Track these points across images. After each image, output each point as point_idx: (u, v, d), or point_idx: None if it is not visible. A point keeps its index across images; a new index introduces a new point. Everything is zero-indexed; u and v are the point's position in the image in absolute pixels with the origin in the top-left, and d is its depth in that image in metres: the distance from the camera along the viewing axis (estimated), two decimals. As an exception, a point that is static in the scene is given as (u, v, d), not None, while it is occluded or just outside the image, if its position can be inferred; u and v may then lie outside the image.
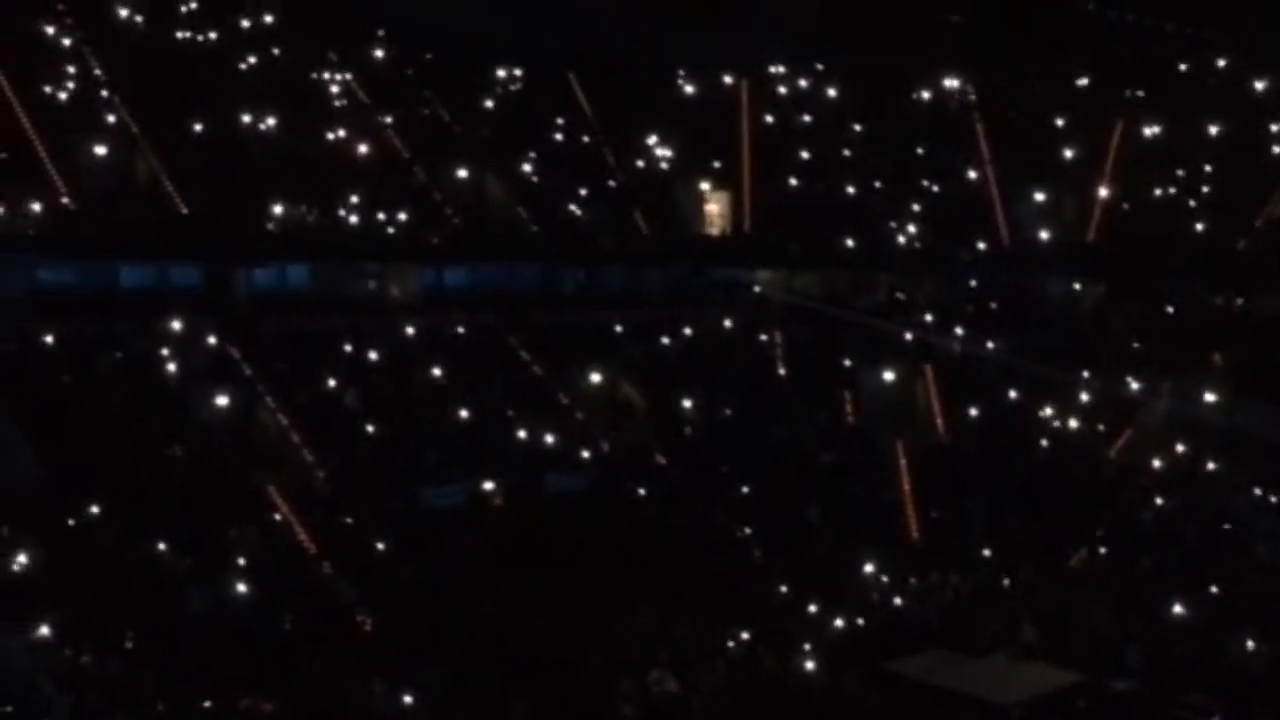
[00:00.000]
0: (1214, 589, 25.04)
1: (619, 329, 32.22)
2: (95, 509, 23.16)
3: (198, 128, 31.51)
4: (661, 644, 22.38)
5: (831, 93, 38.56)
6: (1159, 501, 28.78)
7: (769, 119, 37.54)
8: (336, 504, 25.22)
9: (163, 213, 29.98)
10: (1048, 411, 31.35)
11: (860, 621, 23.91)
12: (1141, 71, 38.62)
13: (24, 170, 29.37)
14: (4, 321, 26.42)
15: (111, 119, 31.12)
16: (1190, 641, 23.52)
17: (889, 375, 31.38)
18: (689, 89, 37.74)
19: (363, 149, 33.01)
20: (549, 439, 28.01)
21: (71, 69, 31.95)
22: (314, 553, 23.94)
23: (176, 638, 21.02)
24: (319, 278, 30.92)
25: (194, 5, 34.35)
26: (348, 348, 29.00)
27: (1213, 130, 37.45)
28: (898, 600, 24.82)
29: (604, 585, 23.57)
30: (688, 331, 32.76)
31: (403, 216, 32.38)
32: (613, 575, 23.91)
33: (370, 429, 27.16)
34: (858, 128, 38.08)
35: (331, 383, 27.94)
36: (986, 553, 26.61)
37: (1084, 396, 31.49)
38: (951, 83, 38.29)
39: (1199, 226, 36.13)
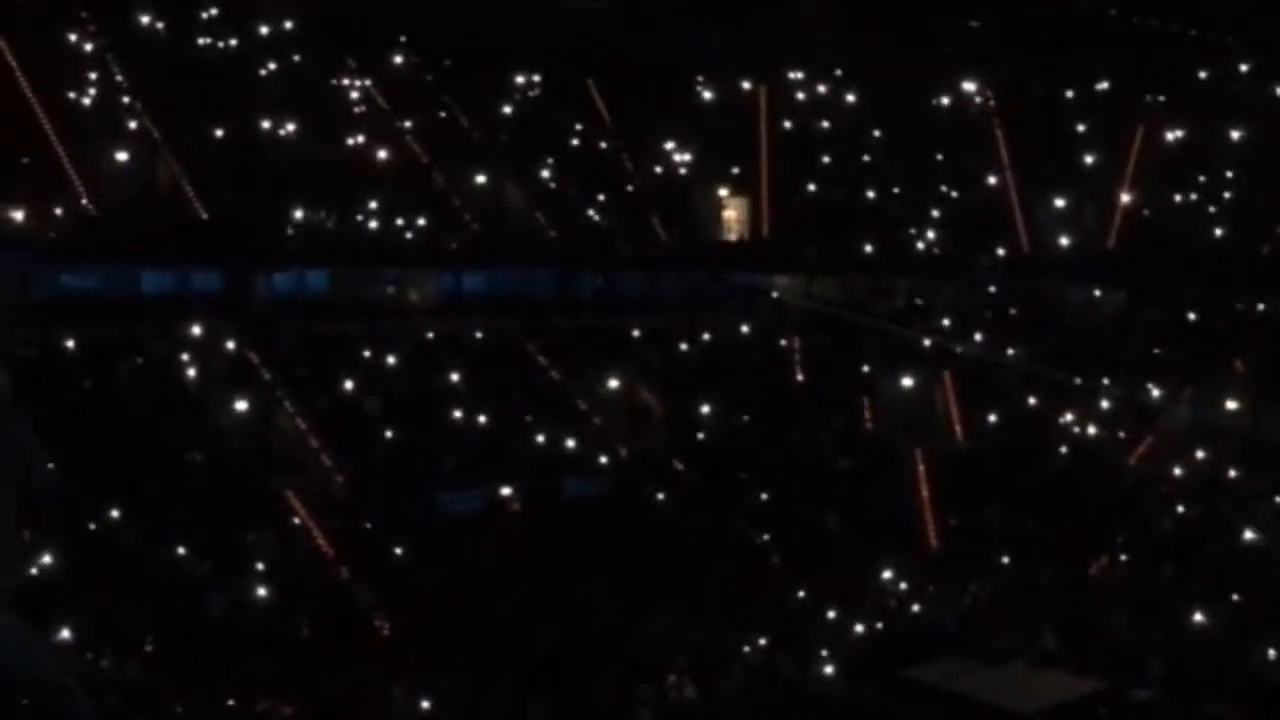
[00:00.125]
0: (1235, 597, 24.88)
1: (637, 334, 32.23)
2: (115, 513, 23.26)
3: (218, 133, 31.66)
4: (679, 649, 22.35)
5: (850, 98, 38.52)
6: (1180, 509, 28.62)
7: (787, 124, 37.52)
8: (355, 509, 25.27)
9: (183, 218, 30.11)
10: (1067, 418, 31.22)
11: (879, 628, 23.83)
12: (1162, 77, 38.46)
13: (47, 175, 29.53)
14: (25, 326, 26.57)
15: (133, 125, 31.28)
16: (1211, 650, 23.37)
17: (907, 381, 31.30)
18: (707, 95, 37.74)
19: (382, 154, 33.11)
20: (567, 444, 28.02)
21: (94, 75, 32.14)
22: (332, 557, 23.99)
23: (196, 642, 21.08)
24: (338, 283, 31.01)
25: (215, 12, 34.50)
26: (366, 353, 29.07)
27: (1234, 135, 37.27)
28: (916, 607, 24.74)
29: (622, 591, 23.55)
30: (706, 337, 32.74)
31: (421, 222, 32.46)
32: (630, 581, 23.89)
33: (388, 434, 27.21)
34: (877, 133, 38.02)
35: (350, 387, 28.00)
36: (1005, 560, 26.51)
37: (1104, 403, 31.36)
38: (971, 88, 38.21)
39: (1220, 232, 35.96)
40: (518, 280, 32.66)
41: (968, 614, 24.81)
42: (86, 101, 31.67)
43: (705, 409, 29.84)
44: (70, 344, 26.79)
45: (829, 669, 22.27)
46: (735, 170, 36.38)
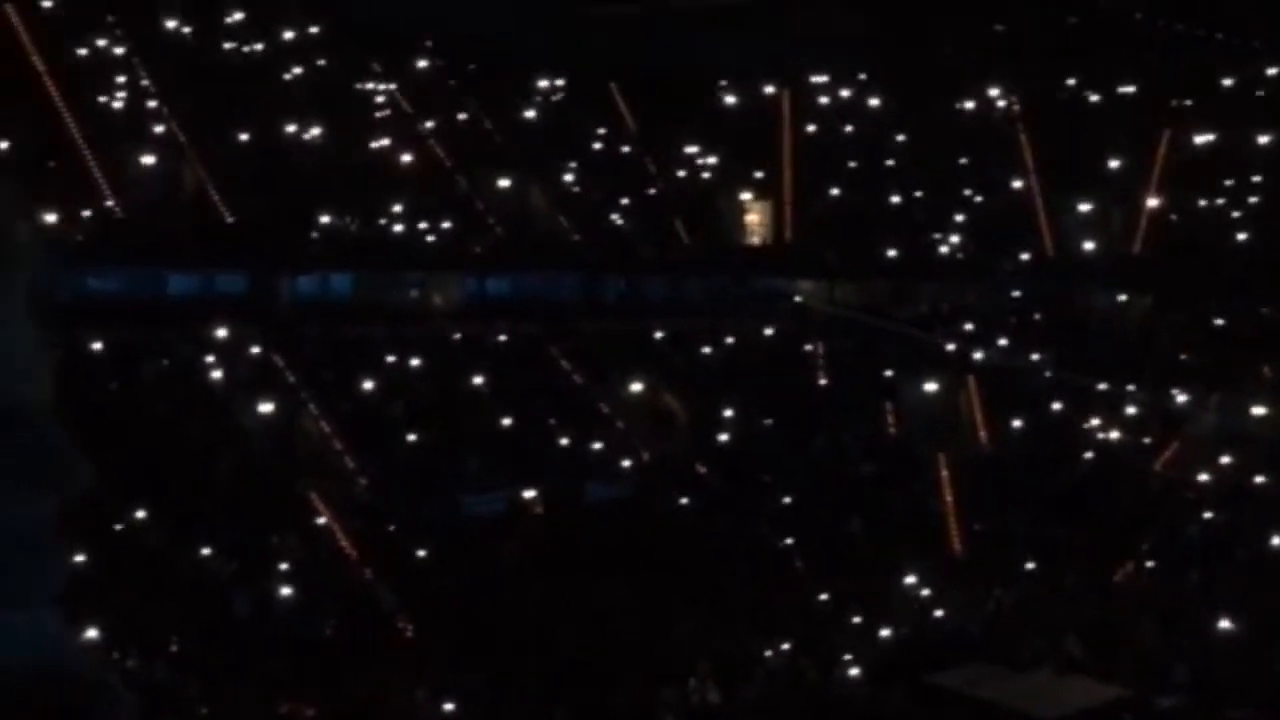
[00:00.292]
0: (1262, 604, 24.67)
1: (659, 338, 32.20)
2: (140, 514, 23.36)
3: (244, 137, 31.79)
4: (702, 653, 22.31)
5: (874, 102, 38.42)
6: (1206, 515, 28.42)
7: (811, 128, 37.43)
8: (378, 511, 25.33)
9: (208, 221, 30.25)
10: (1093, 423, 31.05)
11: (902, 633, 23.74)
12: (1189, 81, 38.21)
13: (74, 178, 29.71)
14: (52, 327, 26.69)
15: (159, 128, 31.45)
16: (1237, 657, 23.19)
17: (931, 386, 31.18)
18: (730, 98, 37.71)
19: (406, 158, 33.19)
20: (589, 447, 28.01)
21: (121, 79, 32.32)
22: (355, 559, 24.04)
23: (220, 642, 21.15)
24: (362, 286, 31.09)
25: (240, 17, 34.66)
26: (390, 356, 29.13)
27: (1261, 140, 37.01)
28: (940, 612, 24.63)
29: (644, 594, 23.51)
30: (729, 341, 32.68)
31: (445, 225, 32.52)
32: (653, 584, 23.85)
33: (411, 436, 27.26)
34: (900, 137, 37.90)
35: (373, 390, 28.06)
36: (1030, 565, 26.37)
37: (1130, 408, 31.16)
38: (995, 92, 38.05)
39: (1246, 237, 35.70)
40: (541, 284, 32.68)
41: (992, 620, 24.68)
42: (113, 105, 31.85)
43: (728, 413, 29.79)
44: (96, 346, 26.93)
45: (853, 674, 22.18)
46: (758, 174, 36.31)
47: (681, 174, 35.89)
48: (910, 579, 25.02)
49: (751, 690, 21.86)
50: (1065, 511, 28.09)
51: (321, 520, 24.61)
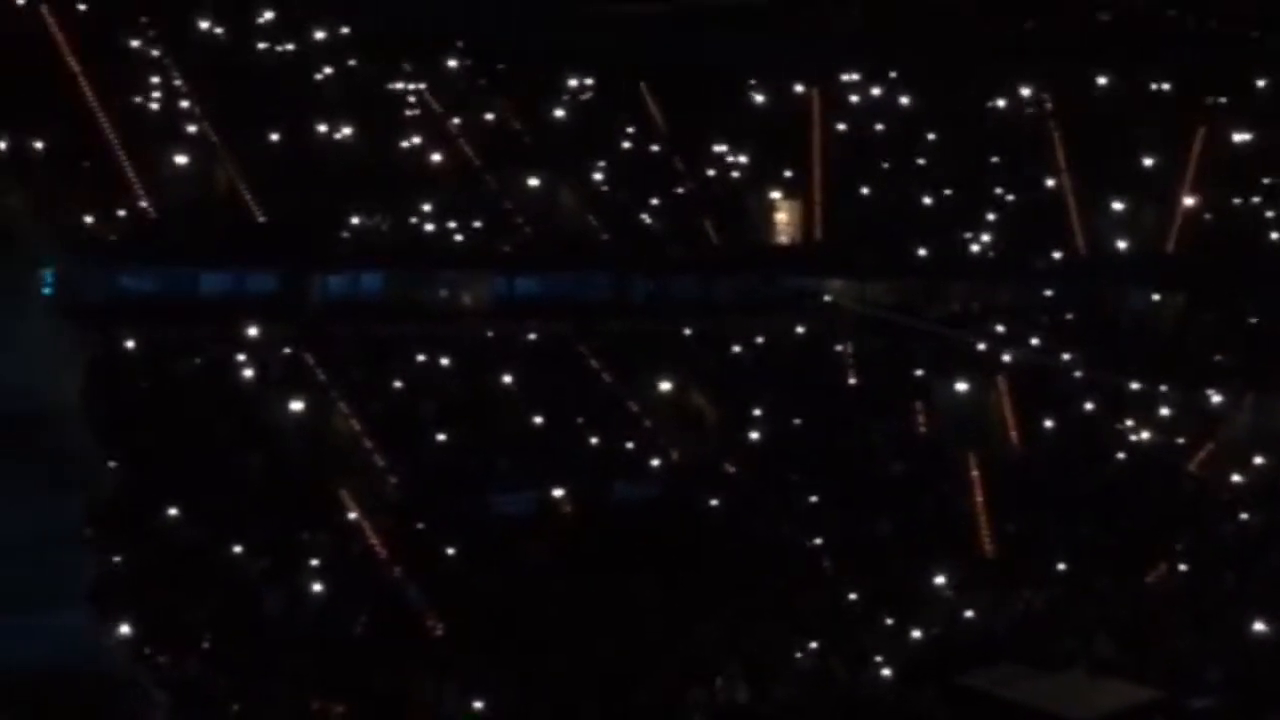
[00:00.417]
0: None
1: (689, 337, 32.18)
2: (173, 512, 23.54)
3: (275, 137, 31.97)
4: (731, 653, 22.29)
5: (904, 100, 38.25)
6: (1240, 516, 28.18)
7: (841, 127, 37.31)
8: (407, 509, 25.42)
9: (240, 221, 30.44)
10: (1126, 423, 30.83)
11: (932, 634, 23.64)
12: (1223, 78, 37.88)
13: (107, 179, 29.95)
14: (85, 327, 26.93)
15: (192, 128, 31.66)
16: (1272, 660, 22.98)
17: (962, 386, 31.04)
18: (760, 97, 37.62)
19: (436, 158, 33.29)
20: (619, 447, 28.03)
21: (154, 79, 32.56)
22: (385, 557, 24.14)
23: (252, 640, 21.28)
24: (392, 285, 31.22)
25: (272, 17, 34.86)
26: (420, 355, 29.23)
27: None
28: (970, 613, 24.51)
29: (673, 593, 23.51)
30: (758, 340, 32.63)
31: (475, 225, 32.61)
32: (682, 584, 23.84)
33: (441, 435, 27.35)
34: (931, 136, 37.73)
35: (403, 389, 28.17)
36: (1062, 566, 26.22)
37: (1163, 408, 30.93)
38: (1027, 90, 37.82)
39: (1282, 236, 35.41)
40: (570, 283, 32.73)
41: (1023, 620, 24.55)
42: (147, 105, 32.09)
43: (757, 412, 29.74)
44: (129, 345, 27.14)
45: (882, 674, 22.11)
46: (788, 173, 36.22)
47: (711, 173, 35.85)
48: (940, 579, 24.92)
49: (781, 690, 21.81)
50: (1097, 512, 27.91)
51: (351, 518, 24.73)
